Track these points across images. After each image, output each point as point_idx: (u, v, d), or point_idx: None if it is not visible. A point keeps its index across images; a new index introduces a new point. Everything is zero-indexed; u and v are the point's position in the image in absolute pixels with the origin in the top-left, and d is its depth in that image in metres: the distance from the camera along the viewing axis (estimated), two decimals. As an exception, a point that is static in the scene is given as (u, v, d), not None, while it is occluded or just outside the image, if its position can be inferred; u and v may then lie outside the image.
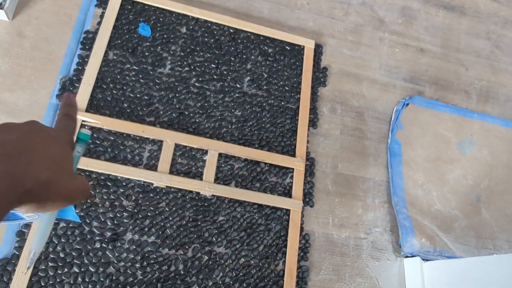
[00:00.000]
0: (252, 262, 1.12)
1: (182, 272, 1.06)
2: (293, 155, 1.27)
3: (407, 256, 1.26)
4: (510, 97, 1.64)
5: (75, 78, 1.15)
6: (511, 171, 1.51)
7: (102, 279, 0.99)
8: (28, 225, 0.99)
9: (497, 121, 1.57)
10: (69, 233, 1.01)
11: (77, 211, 1.03)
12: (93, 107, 1.14)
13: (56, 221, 1.01)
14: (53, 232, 1.00)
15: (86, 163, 1.07)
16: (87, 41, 1.21)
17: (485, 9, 1.79)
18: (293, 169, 1.25)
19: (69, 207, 0.43)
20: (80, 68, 1.17)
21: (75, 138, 0.44)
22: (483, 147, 1.51)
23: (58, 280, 0.97)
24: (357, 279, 1.20)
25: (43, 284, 0.95)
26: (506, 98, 1.63)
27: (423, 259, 1.22)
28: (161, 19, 1.30)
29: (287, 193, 1.22)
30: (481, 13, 1.78)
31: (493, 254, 1.31)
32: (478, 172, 1.47)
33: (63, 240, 1.00)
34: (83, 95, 1.14)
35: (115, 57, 1.21)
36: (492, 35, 1.74)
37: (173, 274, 1.05)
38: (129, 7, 1.28)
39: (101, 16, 1.24)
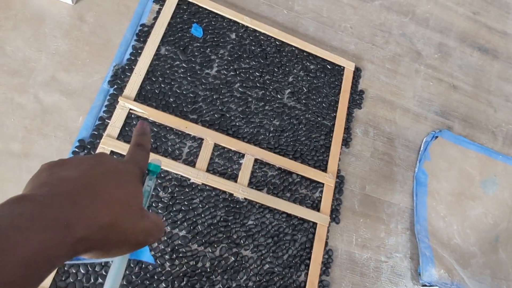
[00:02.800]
0: (276, 269, 1.13)
1: (208, 269, 1.07)
2: (325, 170, 1.29)
3: (424, 285, 1.27)
4: (535, 144, 1.67)
5: (127, 67, 1.19)
6: (530, 215, 1.53)
7: (132, 266, 1.00)
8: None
9: (521, 165, 1.60)
10: (105, 216, 1.03)
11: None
12: (141, 97, 1.17)
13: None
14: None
15: (129, 150, 1.09)
16: (142, 33, 1.24)
17: (517, 56, 1.83)
18: (323, 184, 1.27)
19: (144, 250, 0.39)
20: (133, 58, 1.20)
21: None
22: (505, 189, 1.53)
23: (88, 264, 0.97)
24: (374, 301, 1.21)
25: (74, 271, 0.96)
26: (530, 144, 1.66)
27: (441, 290, 1.23)
28: (213, 23, 1.34)
29: (315, 207, 1.24)
30: (513, 59, 1.82)
31: (509, 294, 1.32)
32: (499, 212, 1.49)
33: (99, 222, 1.01)
34: (133, 85, 1.16)
35: (166, 53, 1.25)
36: (521, 81, 1.78)
37: (199, 270, 1.06)
38: (185, 7, 1.32)
39: (158, 12, 1.28)
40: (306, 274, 1.15)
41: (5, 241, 0.23)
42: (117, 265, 0.37)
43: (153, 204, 1.08)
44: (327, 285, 1.16)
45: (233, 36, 1.36)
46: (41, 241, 0.25)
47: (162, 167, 1.11)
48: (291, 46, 1.41)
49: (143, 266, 1.01)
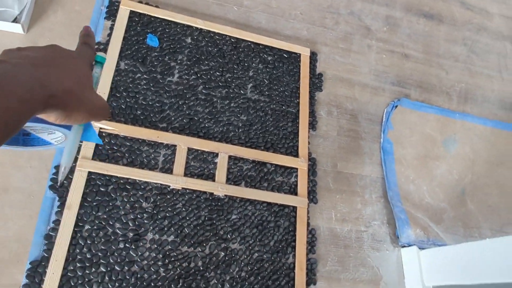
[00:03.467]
0: (265, 256, 1.19)
1: (201, 268, 1.12)
2: (296, 155, 1.35)
3: (404, 246, 1.36)
4: (486, 98, 1.79)
5: (90, 87, 1.20)
6: (490, 165, 1.64)
7: (127, 277, 1.05)
8: (55, 229, 1.03)
9: (476, 120, 1.71)
10: (94, 235, 1.06)
11: (100, 213, 1.08)
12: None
13: (81, 224, 1.06)
14: (79, 235, 1.05)
15: (106, 168, 1.12)
16: (99, 51, 1.26)
17: (460, 17, 1.94)
18: (297, 169, 1.33)
19: (91, 131, 0.46)
20: (94, 78, 1.22)
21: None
22: (465, 144, 1.64)
23: (86, 279, 1.01)
24: (360, 269, 1.29)
25: (72, 284, 1.00)
26: (482, 99, 1.78)
27: (419, 248, 1.33)
28: (167, 30, 1.37)
29: (293, 192, 1.31)
30: (457, 20, 1.93)
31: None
32: (462, 167, 1.60)
33: (88, 242, 1.05)
34: (98, 104, 1.19)
35: (126, 67, 1.27)
36: (467, 41, 1.89)
37: (193, 270, 1.11)
38: (137, 19, 1.34)
39: (111, 28, 1.30)
40: (294, 255, 1.22)
41: (3, 90, 0.30)
42: (72, 139, 0.44)
43: (138, 216, 1.12)
44: (315, 262, 1.24)
45: (188, 40, 1.39)
46: (25, 89, 0.31)
47: (140, 179, 1.15)
48: (247, 41, 1.46)
49: (139, 276, 1.06)
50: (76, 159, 1.12)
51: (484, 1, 2.03)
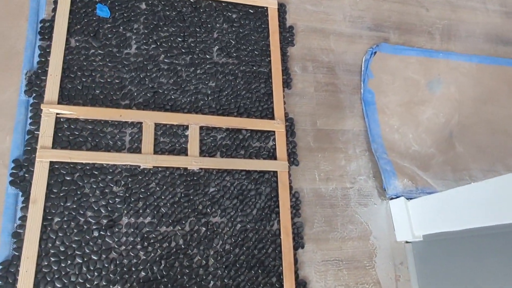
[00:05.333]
0: (248, 226, 1.16)
1: (182, 246, 1.09)
2: (272, 118, 1.29)
3: (392, 198, 1.33)
4: (471, 32, 1.69)
5: (40, 71, 1.12)
6: (478, 104, 1.58)
7: (106, 265, 1.01)
8: (23, 226, 0.99)
9: (461, 57, 1.63)
10: (65, 226, 1.02)
11: (68, 203, 1.03)
12: (64, 98, 1.12)
13: (49, 217, 1.01)
14: (49, 229, 1.00)
15: (69, 156, 1.06)
16: (45, 30, 1.16)
17: None
18: (274, 131, 1.27)
19: None
20: (43, 59, 1.13)
21: None
22: (450, 85, 1.57)
23: (63, 273, 0.98)
24: (349, 226, 1.26)
25: (49, 280, 0.96)
26: (467, 34, 1.68)
27: (407, 199, 1.29)
28: (118, -2, 1.25)
29: (272, 156, 1.25)
30: (435, -49, 1.79)
31: (469, 184, 1.40)
32: (448, 109, 1.53)
33: (60, 234, 1.01)
34: (52, 87, 1.10)
35: (77, 44, 1.17)
36: (447, -28, 1.76)
37: (174, 249, 1.08)
38: (83, -12, 1.23)
39: (55, 2, 1.19)
40: (278, 221, 1.18)
41: None
42: None
43: (110, 201, 1.07)
44: (301, 225, 1.21)
45: (143, 6, 1.28)
46: None
47: (107, 162, 1.09)
48: (207, 0, 1.35)
49: (118, 262, 1.02)
50: (35, 150, 1.05)
51: None
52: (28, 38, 1.13)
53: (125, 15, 1.24)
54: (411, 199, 1.29)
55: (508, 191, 0.96)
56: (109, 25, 1.22)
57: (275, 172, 1.23)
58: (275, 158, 1.25)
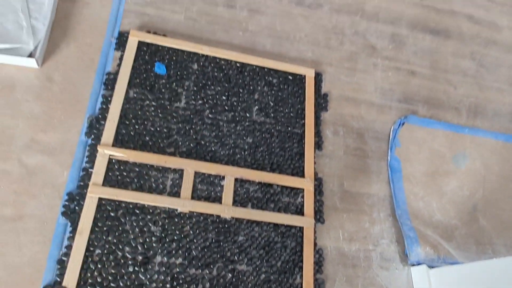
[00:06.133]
0: (272, 277, 1.20)
1: (208, 290, 1.14)
2: (302, 176, 1.37)
3: (413, 265, 1.35)
4: (497, 112, 1.77)
5: (100, 116, 1.26)
6: (503, 180, 1.62)
7: (137, 301, 1.08)
8: (67, 254, 1.08)
9: (487, 134, 1.69)
10: (104, 259, 1.10)
11: (110, 237, 1.12)
12: (118, 141, 1.25)
13: (91, 249, 1.10)
14: (90, 259, 1.09)
15: (116, 194, 1.17)
16: (109, 82, 1.32)
17: (468, 32, 1.93)
18: (303, 189, 1.35)
19: None
20: (104, 107, 1.28)
21: None
22: (476, 160, 1.63)
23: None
24: (369, 289, 1.29)
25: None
26: (493, 113, 1.76)
27: (429, 267, 1.32)
28: (174, 58, 1.42)
29: (300, 212, 1.32)
30: (465, 35, 1.92)
31: (492, 258, 1.40)
32: (473, 183, 1.58)
33: (99, 266, 1.09)
34: (109, 132, 1.24)
35: (135, 95, 1.32)
36: (476, 55, 1.88)
37: (200, 292, 1.13)
38: (145, 48, 1.40)
39: (120, 59, 1.36)
40: (301, 276, 1.23)
41: None
42: None
43: (147, 239, 1.15)
44: (322, 282, 1.24)
45: (195, 67, 1.44)
46: None
47: (148, 203, 1.18)
48: (252, 65, 1.50)
49: (147, 298, 1.09)
50: (87, 186, 1.16)
51: (493, 14, 2.02)
52: (94, 87, 1.29)
53: (178, 73, 1.40)
54: (433, 267, 1.32)
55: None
56: (164, 81, 1.37)
57: (301, 228, 1.29)
58: (302, 214, 1.31)
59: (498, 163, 1.65)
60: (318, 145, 1.45)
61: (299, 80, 1.53)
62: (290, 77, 1.52)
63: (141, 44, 1.40)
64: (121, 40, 1.39)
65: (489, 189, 1.58)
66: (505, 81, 1.87)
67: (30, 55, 1.23)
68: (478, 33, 1.95)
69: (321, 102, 1.53)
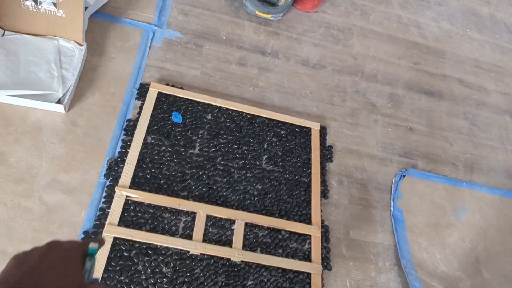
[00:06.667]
0: (281, 323, 1.20)
1: (218, 334, 1.14)
2: (309, 223, 1.41)
3: (420, 315, 1.35)
4: (492, 167, 1.85)
5: (119, 159, 1.33)
6: (503, 233, 1.66)
7: None
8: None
9: (484, 189, 1.77)
10: (116, 298, 1.11)
11: (122, 277, 1.14)
12: (135, 184, 1.30)
13: (113, 277, 1.11)
14: (102, 298, 1.10)
15: (130, 234, 1.20)
16: (129, 128, 1.40)
17: (460, 94, 2.08)
18: (310, 235, 1.38)
19: None
20: (123, 151, 1.35)
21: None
22: (475, 213, 1.68)
23: None
24: None
25: None
26: (488, 168, 1.84)
27: (436, 317, 1.32)
28: (190, 108, 1.52)
29: (307, 258, 1.35)
30: (457, 97, 2.07)
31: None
32: (474, 235, 1.62)
33: (111, 305, 1.09)
34: (126, 174, 1.30)
35: (152, 141, 1.40)
36: (468, 115, 2.01)
37: (210, 336, 1.13)
38: (163, 99, 1.50)
39: (141, 107, 1.45)
40: (310, 323, 1.23)
41: None
42: None
43: (158, 280, 1.17)
44: (331, 330, 1.24)
45: (209, 117, 1.53)
46: None
47: (161, 244, 1.21)
48: (261, 117, 1.60)
49: None
50: (103, 225, 1.20)
51: (481, 79, 2.19)
52: (114, 132, 1.37)
53: (193, 122, 1.49)
54: (440, 318, 1.32)
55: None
56: (179, 129, 1.46)
57: (309, 274, 1.31)
58: (310, 261, 1.34)
59: (496, 216, 1.70)
60: (324, 194, 1.51)
61: (305, 132, 1.63)
62: (297, 129, 1.62)
63: (160, 95, 1.50)
64: (142, 91, 1.49)
65: (490, 242, 1.62)
66: (497, 139, 1.98)
67: (59, 101, 1.32)
68: (469, 95, 2.10)
69: (326, 153, 1.62)
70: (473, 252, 1.57)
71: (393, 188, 1.63)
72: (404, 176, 1.68)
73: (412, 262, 1.46)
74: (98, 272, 1.12)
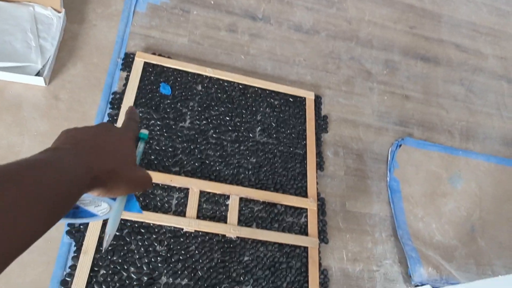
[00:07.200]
0: (278, 298, 1.19)
1: (215, 311, 1.12)
2: (305, 196, 1.38)
3: (417, 285, 1.36)
4: (488, 135, 1.83)
5: (106, 134, 1.26)
6: (498, 202, 1.66)
7: (143, 322, 1.05)
8: (71, 274, 1.05)
9: (480, 156, 1.75)
10: (109, 279, 1.07)
11: (115, 257, 1.10)
12: (123, 160, 1.24)
13: (96, 269, 1.07)
14: (94, 280, 1.06)
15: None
16: (115, 101, 1.33)
17: (456, 59, 2.02)
18: (306, 209, 1.36)
19: (133, 202, 0.51)
20: (110, 125, 1.27)
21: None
22: (471, 181, 1.67)
23: None
24: (375, 310, 1.28)
25: None
26: (484, 136, 1.82)
27: (432, 287, 1.32)
28: (179, 79, 1.44)
29: (304, 232, 1.32)
30: (453, 62, 2.01)
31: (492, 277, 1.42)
32: (470, 203, 1.61)
33: (103, 286, 1.06)
34: (114, 150, 1.24)
35: (140, 114, 1.33)
36: (464, 81, 1.97)
37: (207, 314, 1.11)
38: (150, 69, 1.42)
39: (127, 79, 1.37)
40: (307, 297, 1.22)
41: (55, 173, 0.35)
42: (116, 210, 0.48)
43: (152, 259, 1.13)
44: (328, 303, 1.23)
45: (199, 88, 1.46)
46: (75, 174, 0.37)
47: (154, 222, 1.17)
48: (254, 87, 1.53)
49: (153, 320, 1.06)
50: (92, 204, 1.15)
51: (478, 43, 2.13)
52: (100, 106, 1.30)
53: (183, 94, 1.42)
54: (436, 287, 1.32)
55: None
56: (169, 101, 1.39)
57: (305, 248, 1.29)
58: (306, 234, 1.32)
59: (492, 184, 1.70)
60: (320, 166, 1.47)
61: (300, 102, 1.57)
62: (291, 99, 1.56)
63: (146, 65, 1.42)
64: (127, 61, 1.40)
65: (485, 210, 1.62)
66: (493, 106, 1.94)
67: (38, 74, 1.23)
68: (465, 61, 2.04)
69: (321, 123, 1.57)
70: (469, 220, 1.57)
71: (389, 158, 1.60)
72: (400, 145, 1.64)
73: (409, 232, 1.45)
74: (90, 253, 1.08)
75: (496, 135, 1.85)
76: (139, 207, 0.52)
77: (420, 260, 1.39)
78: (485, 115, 1.90)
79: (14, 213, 0.30)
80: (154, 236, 1.17)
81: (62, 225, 1.11)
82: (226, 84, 1.50)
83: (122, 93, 1.34)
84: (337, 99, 1.67)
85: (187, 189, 1.26)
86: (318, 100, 1.61)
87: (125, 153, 0.45)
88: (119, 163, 0.43)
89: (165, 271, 1.13)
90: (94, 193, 0.42)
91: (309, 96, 1.58)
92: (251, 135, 1.43)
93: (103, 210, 0.49)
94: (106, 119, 1.29)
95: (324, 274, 1.28)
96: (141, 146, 0.55)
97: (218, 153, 1.36)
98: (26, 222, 0.31)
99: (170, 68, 1.44)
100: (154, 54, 1.45)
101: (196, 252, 1.19)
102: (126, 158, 0.45)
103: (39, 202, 0.32)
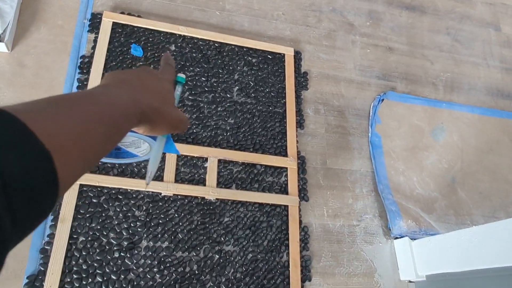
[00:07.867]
0: (259, 256, 1.21)
1: (196, 272, 1.14)
2: (285, 155, 1.37)
3: (396, 238, 1.38)
4: (473, 86, 1.80)
5: (77, 101, 1.22)
6: (479, 153, 1.66)
7: (124, 285, 1.07)
8: (50, 243, 1.05)
9: (463, 108, 1.73)
10: (88, 246, 1.08)
11: (93, 224, 1.10)
12: (97, 127, 1.21)
13: (75, 236, 1.08)
14: (74, 247, 1.07)
15: (97, 180, 1.14)
16: (84, 65, 1.28)
17: (443, 7, 1.95)
18: (286, 168, 1.35)
19: (171, 143, 0.53)
20: (79, 91, 1.23)
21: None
22: (453, 133, 1.66)
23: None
24: (354, 263, 1.31)
25: None
26: (469, 87, 1.79)
27: (411, 239, 1.35)
28: (150, 39, 1.38)
29: (284, 191, 1.33)
30: (439, 10, 1.94)
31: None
32: (451, 156, 1.62)
33: (84, 253, 1.07)
34: (86, 117, 1.20)
35: (112, 78, 1.29)
36: (451, 30, 1.91)
37: (188, 274, 1.13)
38: (120, 30, 1.36)
39: (95, 41, 1.31)
40: (288, 253, 1.24)
41: (111, 107, 0.37)
42: (156, 148, 0.52)
43: (131, 224, 1.14)
44: (309, 259, 1.26)
45: (172, 47, 1.40)
46: (125, 107, 0.39)
47: (131, 188, 1.17)
48: (230, 45, 1.47)
49: (135, 283, 1.08)
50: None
51: (466, -11, 2.05)
52: (68, 71, 1.25)
53: (156, 55, 1.37)
54: (415, 239, 1.35)
55: (508, 236, 1.03)
56: (141, 63, 1.34)
57: (286, 206, 1.30)
58: (287, 193, 1.32)
59: (474, 136, 1.69)
60: (300, 124, 1.45)
61: (279, 59, 1.52)
62: (270, 56, 1.51)
63: (115, 26, 1.35)
64: (94, 22, 1.34)
65: (467, 161, 1.62)
66: (480, 55, 1.90)
67: (-1, 40, 1.18)
68: (452, 8, 1.97)
69: (301, 80, 1.53)
70: (450, 172, 1.58)
71: (371, 113, 1.58)
72: (382, 99, 1.62)
73: (389, 186, 1.46)
74: (67, 221, 1.09)
75: (481, 85, 1.82)
76: (176, 148, 0.54)
77: (400, 213, 1.41)
78: (471, 65, 1.86)
79: (94, 125, 0.33)
80: (132, 201, 1.17)
81: (37, 195, 1.10)
82: (201, 42, 1.44)
83: (91, 56, 1.29)
84: (318, 54, 1.62)
85: (164, 153, 1.24)
86: (297, 56, 1.56)
87: (166, 95, 0.47)
88: (162, 103, 0.44)
89: (145, 235, 1.14)
90: (140, 129, 0.44)
91: (289, 52, 1.53)
92: (228, 95, 1.40)
93: (143, 151, 0.54)
94: (75, 84, 1.25)
95: (304, 231, 1.30)
96: (179, 89, 0.57)
97: (195, 115, 1.33)
98: (100, 133, 0.34)
99: (140, 27, 1.38)
100: (123, 13, 1.38)
101: (176, 215, 1.19)
102: (167, 99, 0.46)
103: (102, 124, 0.34)
